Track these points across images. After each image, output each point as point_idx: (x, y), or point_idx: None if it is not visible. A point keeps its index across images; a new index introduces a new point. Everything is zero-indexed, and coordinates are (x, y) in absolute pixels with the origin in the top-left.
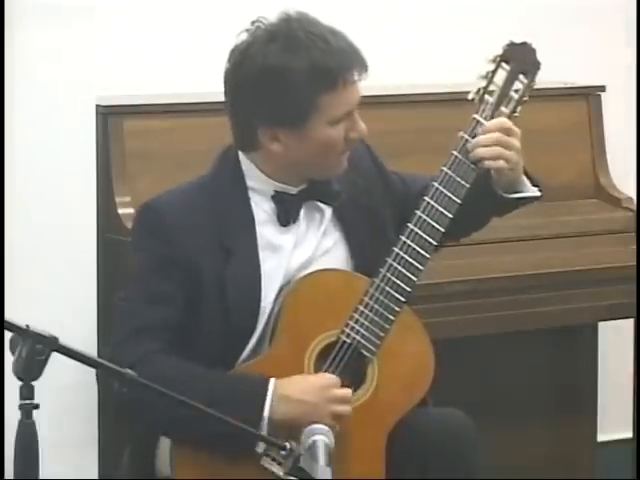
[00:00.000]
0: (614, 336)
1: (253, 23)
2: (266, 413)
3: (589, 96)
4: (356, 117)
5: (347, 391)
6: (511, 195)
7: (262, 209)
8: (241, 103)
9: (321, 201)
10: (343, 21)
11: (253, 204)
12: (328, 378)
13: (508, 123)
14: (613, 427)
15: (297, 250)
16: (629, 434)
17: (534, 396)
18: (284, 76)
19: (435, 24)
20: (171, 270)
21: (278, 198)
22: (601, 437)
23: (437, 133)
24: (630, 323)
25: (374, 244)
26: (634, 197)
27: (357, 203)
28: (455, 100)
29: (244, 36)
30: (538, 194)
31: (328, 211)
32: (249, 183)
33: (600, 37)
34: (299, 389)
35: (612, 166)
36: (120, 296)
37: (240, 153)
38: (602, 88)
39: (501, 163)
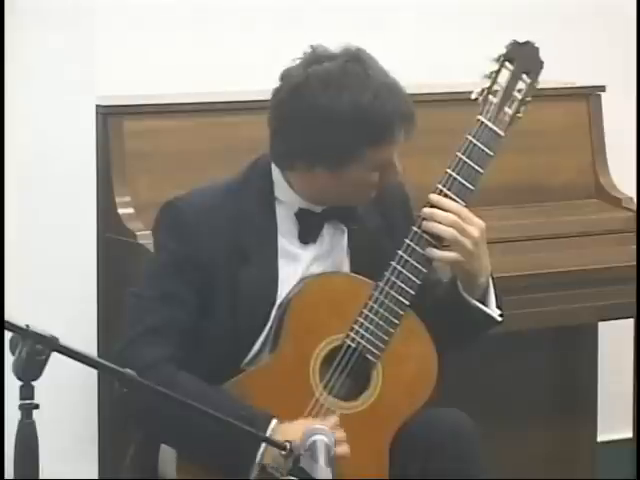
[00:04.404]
0: (614, 336)
1: (312, 48)
2: (258, 459)
3: (589, 96)
4: (395, 162)
5: (342, 434)
6: (472, 301)
7: (286, 221)
8: (285, 135)
9: (341, 221)
10: (343, 21)
11: (278, 214)
12: (325, 424)
13: (466, 213)
14: (613, 427)
15: (316, 262)
16: (629, 434)
17: (534, 396)
18: (332, 124)
19: (435, 24)
20: (187, 271)
21: (301, 215)
22: (601, 437)
23: (437, 133)
24: (630, 323)
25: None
26: (634, 197)
27: (370, 237)
28: (455, 100)
29: (299, 63)
30: (498, 319)
31: (346, 232)
32: (277, 194)
33: (600, 37)
34: (298, 438)
35: (612, 166)
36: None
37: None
38: (602, 88)
39: (453, 255)
